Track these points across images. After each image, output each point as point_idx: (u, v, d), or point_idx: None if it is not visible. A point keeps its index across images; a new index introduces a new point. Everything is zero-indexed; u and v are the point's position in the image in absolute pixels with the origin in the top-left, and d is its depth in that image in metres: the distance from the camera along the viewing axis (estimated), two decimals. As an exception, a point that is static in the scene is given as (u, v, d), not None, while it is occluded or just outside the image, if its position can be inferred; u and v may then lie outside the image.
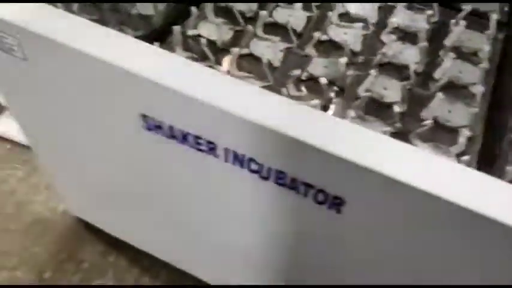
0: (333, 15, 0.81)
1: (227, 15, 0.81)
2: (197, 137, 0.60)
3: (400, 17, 0.83)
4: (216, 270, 0.98)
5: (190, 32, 0.77)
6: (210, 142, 0.60)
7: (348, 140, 0.51)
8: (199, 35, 0.76)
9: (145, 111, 0.62)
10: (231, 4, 0.81)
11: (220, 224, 0.78)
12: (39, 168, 1.26)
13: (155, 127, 0.63)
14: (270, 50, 0.76)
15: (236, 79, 0.59)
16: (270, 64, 0.72)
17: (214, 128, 0.58)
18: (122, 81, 0.60)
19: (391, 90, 0.71)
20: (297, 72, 0.72)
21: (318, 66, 0.74)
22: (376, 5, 0.84)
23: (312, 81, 0.72)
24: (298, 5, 0.82)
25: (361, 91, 0.71)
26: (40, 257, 1.11)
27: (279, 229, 0.69)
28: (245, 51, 0.75)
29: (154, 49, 0.61)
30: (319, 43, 0.78)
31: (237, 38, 0.78)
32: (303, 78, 0.73)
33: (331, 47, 0.78)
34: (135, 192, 0.85)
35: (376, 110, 0.69)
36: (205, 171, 0.66)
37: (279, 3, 0.83)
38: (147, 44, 0.61)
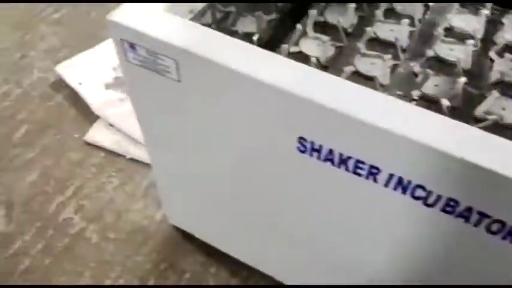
0: (438, 30, 0.79)
1: (326, 30, 0.79)
2: (359, 162, 0.59)
3: (510, 33, 0.79)
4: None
5: (292, 49, 0.75)
6: (373, 167, 0.59)
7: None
8: (300, 52, 0.75)
9: (305, 134, 0.61)
10: (332, 19, 0.80)
11: (354, 243, 0.76)
12: (135, 177, 1.29)
13: (312, 150, 0.62)
14: (376, 67, 0.74)
15: (399, 100, 0.57)
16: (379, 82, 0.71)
17: (384, 152, 0.57)
18: (282, 102, 0.59)
19: (510, 111, 0.67)
20: (408, 90, 0.70)
21: (429, 85, 0.72)
22: (483, 19, 0.81)
23: (423, 101, 0.69)
24: (404, 20, 0.79)
25: (480, 112, 0.67)
26: (142, 266, 1.13)
27: (430, 254, 0.67)
28: (351, 68, 0.72)
29: (309, 69, 0.60)
30: (427, 60, 0.75)
31: (339, 55, 0.76)
32: (415, 97, 0.70)
33: (439, 64, 0.75)
34: (261, 211, 0.85)
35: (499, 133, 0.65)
36: (356, 195, 0.65)
37: (381, 18, 0.81)
38: (301, 64, 0.60)
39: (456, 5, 0.84)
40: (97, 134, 1.37)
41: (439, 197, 0.56)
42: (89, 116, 1.40)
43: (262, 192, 0.80)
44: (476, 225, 0.56)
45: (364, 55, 0.76)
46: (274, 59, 0.62)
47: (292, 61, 0.61)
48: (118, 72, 1.46)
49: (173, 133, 0.79)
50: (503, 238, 0.56)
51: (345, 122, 0.55)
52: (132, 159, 1.33)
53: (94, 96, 1.41)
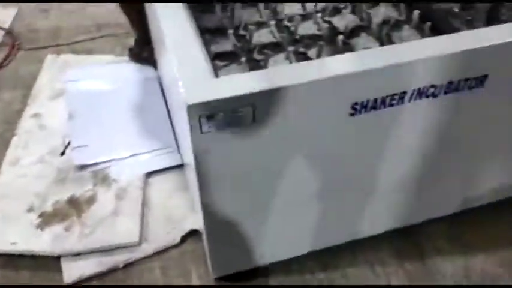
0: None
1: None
2: (391, 95, 0.88)
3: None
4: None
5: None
6: (402, 92, 0.88)
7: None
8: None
9: (356, 100, 0.86)
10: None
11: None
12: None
13: (362, 108, 0.88)
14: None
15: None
16: None
17: (402, 79, 0.86)
18: (335, 85, 0.83)
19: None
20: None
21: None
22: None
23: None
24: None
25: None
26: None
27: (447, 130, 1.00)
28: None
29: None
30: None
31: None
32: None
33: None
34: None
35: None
36: (400, 122, 0.93)
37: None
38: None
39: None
40: (72, 271, 1.27)
41: (441, 86, 0.90)
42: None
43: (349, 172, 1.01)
44: (460, 90, 0.92)
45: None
46: (309, 65, 0.84)
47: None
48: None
49: (253, 175, 0.92)
50: (476, 86, 0.93)
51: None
52: (127, 264, 1.29)
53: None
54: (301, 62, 0.87)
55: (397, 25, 1.29)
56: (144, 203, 1.40)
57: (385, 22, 1.29)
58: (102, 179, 1.46)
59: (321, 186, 1.05)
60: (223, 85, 0.80)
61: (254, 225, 1.08)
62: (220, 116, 0.79)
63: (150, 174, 1.49)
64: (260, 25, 1.32)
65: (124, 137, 1.57)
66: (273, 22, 1.32)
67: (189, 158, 1.00)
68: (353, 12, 1.36)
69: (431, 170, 1.14)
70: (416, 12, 1.27)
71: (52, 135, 1.60)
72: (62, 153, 1.55)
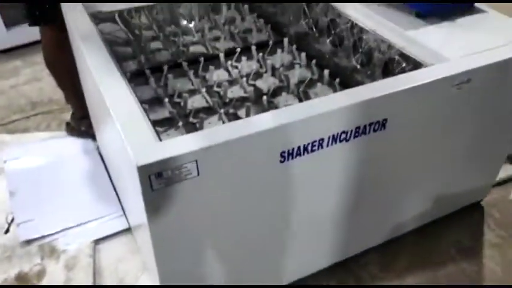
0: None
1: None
2: (313, 142, 1.04)
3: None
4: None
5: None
6: (320, 140, 1.05)
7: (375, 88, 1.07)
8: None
9: (284, 149, 1.01)
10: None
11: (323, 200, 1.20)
12: None
13: (289, 155, 1.03)
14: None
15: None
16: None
17: (321, 128, 1.03)
18: (267, 138, 0.98)
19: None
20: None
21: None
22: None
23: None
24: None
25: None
26: None
27: (358, 171, 1.18)
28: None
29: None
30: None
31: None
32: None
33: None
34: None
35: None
36: (326, 166, 1.09)
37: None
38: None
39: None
40: None
41: (351, 131, 1.08)
42: None
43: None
44: (367, 133, 1.10)
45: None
46: (241, 122, 0.98)
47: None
48: None
49: (202, 223, 1.02)
50: (379, 129, 1.12)
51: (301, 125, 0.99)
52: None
53: None
54: (233, 121, 1.01)
55: (312, 83, 1.50)
56: (95, 270, 1.43)
57: (301, 81, 1.50)
58: (50, 251, 1.48)
59: (262, 229, 1.16)
60: (167, 146, 0.91)
61: (206, 273, 1.17)
62: (168, 173, 0.90)
63: (98, 241, 1.52)
64: (193, 92, 1.48)
65: (69, 208, 1.61)
66: (204, 89, 1.49)
67: (140, 219, 1.08)
68: (273, 75, 1.56)
69: (356, 205, 1.30)
70: (326, 71, 1.49)
71: (-7, 215, 1.60)
72: (6, 231, 1.55)
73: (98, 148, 1.87)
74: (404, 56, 1.28)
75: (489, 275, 1.49)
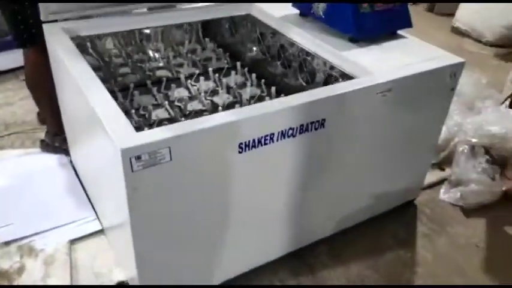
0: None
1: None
2: (265, 136, 1.26)
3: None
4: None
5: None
6: (271, 134, 1.27)
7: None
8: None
9: (241, 140, 1.23)
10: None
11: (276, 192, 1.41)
12: None
13: (246, 146, 1.24)
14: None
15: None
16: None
17: (273, 124, 1.26)
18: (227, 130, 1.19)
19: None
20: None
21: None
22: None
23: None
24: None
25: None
26: None
27: (303, 164, 1.40)
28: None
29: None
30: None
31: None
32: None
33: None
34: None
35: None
36: (275, 160, 1.31)
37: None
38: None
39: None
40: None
41: (296, 128, 1.31)
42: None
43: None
44: (309, 130, 1.34)
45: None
46: (207, 118, 1.20)
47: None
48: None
49: (171, 207, 1.20)
50: (319, 127, 1.36)
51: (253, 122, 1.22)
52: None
53: None
54: (200, 117, 1.22)
55: (261, 98, 1.75)
56: (72, 266, 1.56)
57: (252, 97, 1.74)
58: (29, 250, 1.60)
59: (224, 213, 1.36)
60: (145, 135, 1.11)
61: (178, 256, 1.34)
62: (146, 157, 1.10)
63: (74, 241, 1.66)
64: (156, 106, 1.70)
65: (45, 214, 1.74)
66: (166, 102, 1.71)
67: (117, 209, 1.26)
68: (228, 92, 1.81)
69: (304, 196, 1.52)
70: (273, 88, 1.75)
71: (-28, 221, 1.71)
72: (-15, 235, 1.66)
73: (71, 162, 2.02)
74: (340, 72, 1.55)
75: (421, 260, 1.73)
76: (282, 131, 1.29)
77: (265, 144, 1.28)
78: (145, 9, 1.90)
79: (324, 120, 1.36)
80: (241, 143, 1.24)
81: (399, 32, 1.75)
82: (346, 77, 1.52)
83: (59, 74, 1.63)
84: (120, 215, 1.28)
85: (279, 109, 1.26)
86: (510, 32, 3.49)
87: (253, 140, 1.25)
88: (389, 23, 1.71)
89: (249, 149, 1.26)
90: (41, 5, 1.59)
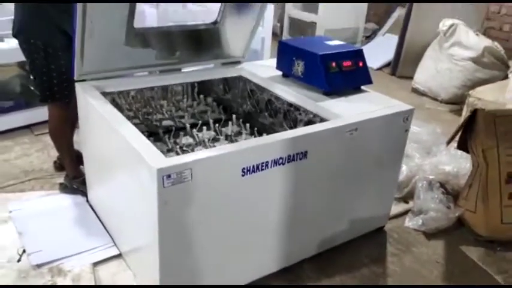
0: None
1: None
2: (262, 164, 1.63)
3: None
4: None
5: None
6: (265, 162, 1.64)
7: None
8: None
9: (244, 166, 1.59)
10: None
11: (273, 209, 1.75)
12: None
13: (248, 171, 1.60)
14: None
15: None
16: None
17: (267, 153, 1.64)
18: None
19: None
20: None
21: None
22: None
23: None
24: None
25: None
26: None
27: (290, 190, 1.76)
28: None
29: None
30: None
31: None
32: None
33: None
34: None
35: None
36: (268, 185, 1.66)
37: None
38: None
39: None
40: None
41: (285, 157, 1.68)
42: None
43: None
44: (295, 160, 1.72)
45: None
46: (216, 148, 1.56)
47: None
48: None
49: (190, 218, 1.53)
50: (301, 158, 1.74)
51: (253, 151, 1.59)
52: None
53: None
54: (212, 148, 1.59)
55: (239, 134, 2.12)
56: (96, 282, 1.83)
57: (232, 133, 2.12)
58: (58, 272, 1.86)
59: (232, 227, 1.69)
60: (172, 160, 1.47)
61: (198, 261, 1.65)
62: (174, 176, 1.44)
63: (96, 264, 1.93)
64: (169, 150, 2.06)
65: (70, 242, 2.02)
66: (177, 147, 2.07)
67: (143, 226, 1.58)
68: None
69: (294, 217, 1.86)
70: (247, 124, 2.13)
71: (6, 250, 1.97)
72: (19, 260, 1.91)
73: (87, 201, 2.32)
74: (317, 117, 1.95)
75: (391, 273, 2.06)
76: (275, 159, 1.66)
77: (262, 169, 1.64)
78: (157, 72, 2.31)
79: (306, 152, 1.74)
80: (244, 168, 1.60)
81: (362, 87, 2.20)
82: (322, 120, 1.92)
83: (90, 121, 1.99)
84: (147, 229, 1.59)
85: (272, 142, 1.65)
86: (461, 91, 4.04)
87: (253, 166, 1.62)
88: (354, 80, 2.16)
89: (249, 173, 1.62)
90: (76, 67, 1.97)
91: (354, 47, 2.30)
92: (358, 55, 2.19)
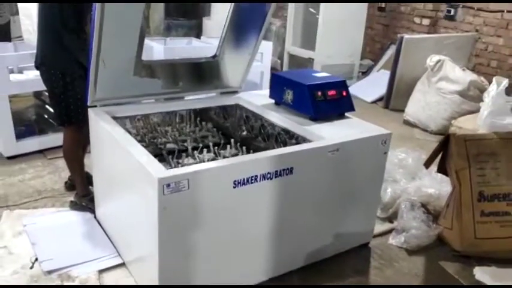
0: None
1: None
2: (252, 177, 1.84)
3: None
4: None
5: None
6: (255, 176, 1.85)
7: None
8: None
9: (236, 178, 1.81)
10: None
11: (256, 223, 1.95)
12: None
13: (239, 183, 1.81)
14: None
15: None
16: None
17: (256, 168, 1.85)
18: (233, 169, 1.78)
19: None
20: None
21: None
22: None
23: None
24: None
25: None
26: None
27: (279, 204, 1.96)
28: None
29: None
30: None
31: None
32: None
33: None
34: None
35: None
36: (259, 195, 1.87)
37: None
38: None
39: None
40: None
41: (272, 172, 1.90)
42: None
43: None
44: (281, 175, 1.93)
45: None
46: (212, 162, 1.78)
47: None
48: None
49: (187, 223, 1.73)
50: (287, 174, 1.95)
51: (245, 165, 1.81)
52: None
53: None
54: (208, 162, 1.81)
55: (236, 155, 2.34)
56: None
57: (229, 155, 2.34)
58: (67, 277, 2.05)
59: (221, 235, 1.88)
60: (172, 171, 1.69)
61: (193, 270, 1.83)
62: (173, 185, 1.66)
63: (102, 271, 2.12)
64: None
65: (78, 252, 2.21)
66: (180, 166, 2.28)
67: (146, 228, 1.78)
68: (214, 152, 2.39)
69: (282, 230, 2.05)
70: (244, 147, 2.35)
71: (20, 258, 2.16)
72: (31, 267, 2.11)
73: (95, 217, 2.52)
74: (303, 139, 2.18)
75: (374, 283, 2.22)
76: (263, 174, 1.88)
77: (252, 182, 1.85)
78: (162, 100, 2.56)
79: (292, 168, 1.95)
80: (236, 180, 1.81)
81: (346, 114, 2.44)
82: (307, 141, 2.15)
83: (101, 142, 2.23)
84: (148, 235, 1.79)
85: (261, 158, 1.87)
86: (449, 123, 4.24)
87: (244, 179, 1.83)
88: (338, 108, 2.40)
89: (240, 186, 1.83)
90: (90, 94, 2.23)
91: (338, 78, 2.55)
92: (342, 85, 2.44)
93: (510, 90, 4.95)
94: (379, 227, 2.62)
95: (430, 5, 5.86)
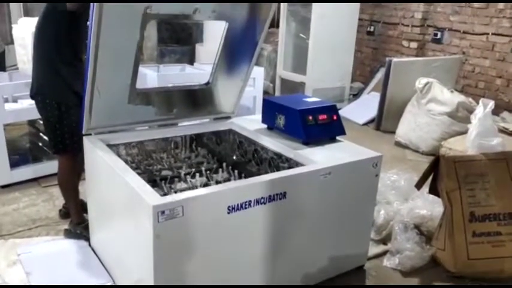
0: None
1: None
2: (246, 202, 1.87)
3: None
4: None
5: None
6: (248, 201, 1.88)
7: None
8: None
9: (230, 204, 1.83)
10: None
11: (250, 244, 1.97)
12: None
13: (233, 209, 1.84)
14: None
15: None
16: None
17: (251, 193, 1.88)
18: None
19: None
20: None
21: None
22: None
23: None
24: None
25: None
26: None
27: (272, 228, 1.98)
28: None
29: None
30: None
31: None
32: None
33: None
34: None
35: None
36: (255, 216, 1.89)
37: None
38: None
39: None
40: None
41: (266, 197, 1.93)
42: None
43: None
44: (274, 200, 1.96)
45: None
46: (205, 188, 1.81)
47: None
48: None
49: (182, 250, 1.74)
50: (281, 199, 1.98)
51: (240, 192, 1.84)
52: None
53: None
54: (199, 187, 1.83)
55: (228, 180, 2.37)
56: (97, 315, 2.01)
57: (222, 179, 2.36)
58: (62, 306, 2.04)
59: (216, 260, 1.89)
60: (166, 198, 1.71)
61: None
62: (168, 212, 1.68)
63: (97, 299, 2.11)
64: (164, 195, 2.27)
65: (74, 280, 2.21)
66: (172, 191, 2.31)
67: (144, 250, 1.79)
68: (206, 177, 2.42)
69: (275, 252, 2.06)
70: (236, 171, 2.38)
71: (14, 288, 2.16)
72: (26, 297, 2.10)
73: (90, 245, 2.52)
74: (296, 163, 2.22)
75: (369, 306, 2.23)
76: (257, 199, 1.90)
77: (246, 208, 1.88)
78: (156, 126, 2.60)
79: (285, 192, 1.98)
80: (229, 206, 1.83)
81: (337, 137, 2.48)
82: (300, 165, 2.18)
83: (96, 169, 2.25)
84: (143, 262, 1.80)
85: (254, 183, 1.90)
86: (439, 143, 4.30)
87: (237, 204, 1.85)
88: (329, 132, 2.45)
89: (234, 211, 1.85)
90: (85, 122, 2.26)
91: (329, 102, 2.61)
92: (333, 110, 2.49)
93: (499, 110, 5.14)
94: (374, 249, 2.64)
95: (417, 29, 6.02)
